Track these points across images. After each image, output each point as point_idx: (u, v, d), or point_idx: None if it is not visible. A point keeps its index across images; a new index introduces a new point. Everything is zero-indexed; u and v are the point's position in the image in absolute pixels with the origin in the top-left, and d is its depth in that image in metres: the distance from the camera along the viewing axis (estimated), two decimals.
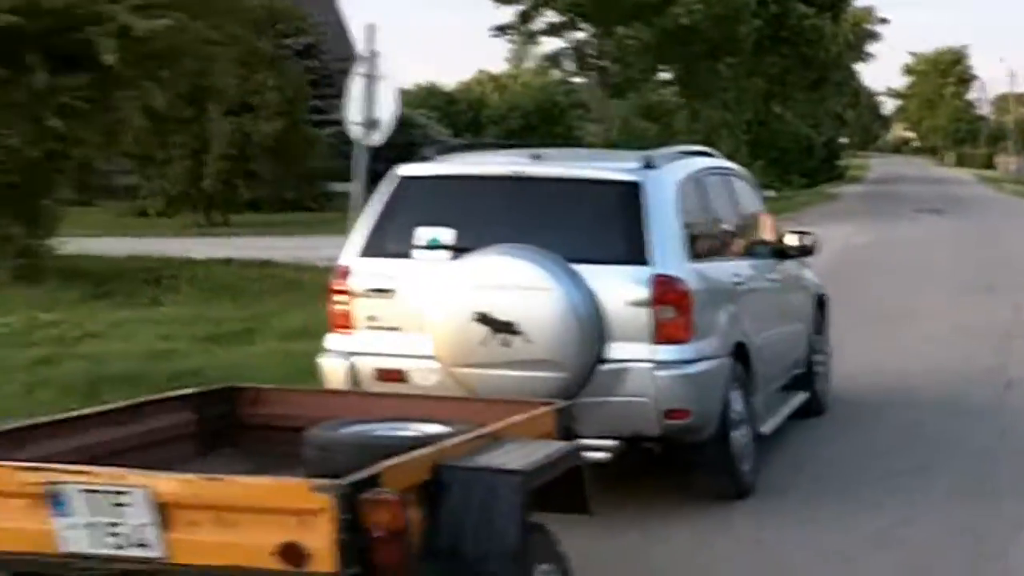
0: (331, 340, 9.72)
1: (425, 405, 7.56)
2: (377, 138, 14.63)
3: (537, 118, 59.27)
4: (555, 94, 62.39)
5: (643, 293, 9.00)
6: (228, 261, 25.90)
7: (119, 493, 5.66)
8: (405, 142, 47.97)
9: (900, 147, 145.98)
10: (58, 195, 22.69)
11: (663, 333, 9.03)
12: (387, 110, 14.44)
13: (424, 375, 9.15)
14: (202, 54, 22.08)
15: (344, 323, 9.58)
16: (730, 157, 14.97)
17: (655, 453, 9.68)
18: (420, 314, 9.18)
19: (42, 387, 14.14)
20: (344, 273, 9.59)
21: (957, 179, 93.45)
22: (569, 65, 43.80)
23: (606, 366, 8.99)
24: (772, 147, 51.88)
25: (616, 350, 8.99)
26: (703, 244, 9.88)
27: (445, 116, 57.76)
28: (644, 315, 9.02)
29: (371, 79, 14.29)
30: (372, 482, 5.52)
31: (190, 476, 5.79)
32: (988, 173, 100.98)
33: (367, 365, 9.36)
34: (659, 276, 9.03)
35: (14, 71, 19.95)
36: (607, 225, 9.36)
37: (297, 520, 5.47)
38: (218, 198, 38.16)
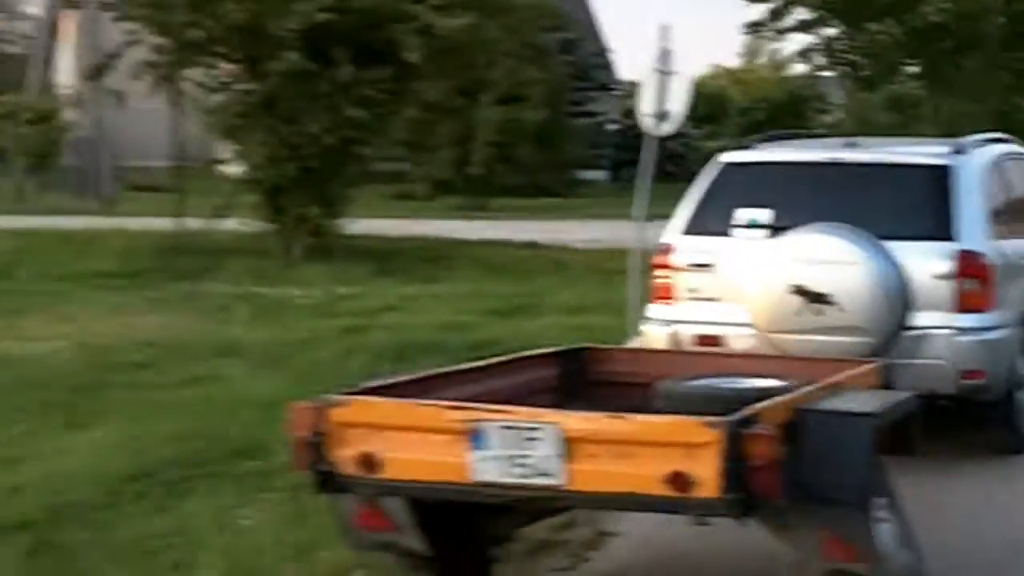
0: (653, 310, 10.55)
1: (753, 363, 8.28)
2: (667, 129, 15.36)
3: (781, 111, 59.59)
4: (796, 87, 62.68)
5: (948, 267, 9.70)
6: (498, 242, 26.84)
7: (533, 429, 6.46)
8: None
9: None
10: (348, 180, 23.93)
11: (964, 303, 9.75)
12: (678, 103, 15.14)
13: (740, 341, 9.88)
14: (488, 49, 23.15)
15: (666, 295, 10.38)
16: None
17: (949, 410, 10.23)
18: (738, 286, 9.91)
19: (355, 353, 15.10)
20: (667, 250, 10.40)
21: None
22: (818, 60, 44.22)
23: (910, 332, 9.64)
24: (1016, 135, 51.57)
25: (919, 318, 9.72)
26: (1002, 223, 10.51)
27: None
28: (947, 287, 9.70)
29: (663, 74, 15.00)
30: (751, 420, 6.27)
31: (595, 414, 6.63)
32: None
33: (687, 332, 10.09)
34: (964, 251, 9.75)
35: (321, 65, 21.16)
36: (917, 205, 10.12)
37: (686, 452, 6.23)
38: (481, 183, 39.40)
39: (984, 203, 10.23)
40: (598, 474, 6.41)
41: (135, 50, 22.99)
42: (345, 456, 6.70)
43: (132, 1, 22.57)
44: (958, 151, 10.41)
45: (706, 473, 6.19)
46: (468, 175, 39.07)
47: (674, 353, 9.50)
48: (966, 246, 9.84)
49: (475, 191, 39.91)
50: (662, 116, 15.11)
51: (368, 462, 6.65)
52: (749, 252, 9.96)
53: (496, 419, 6.54)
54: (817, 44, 43.82)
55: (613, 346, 9.17)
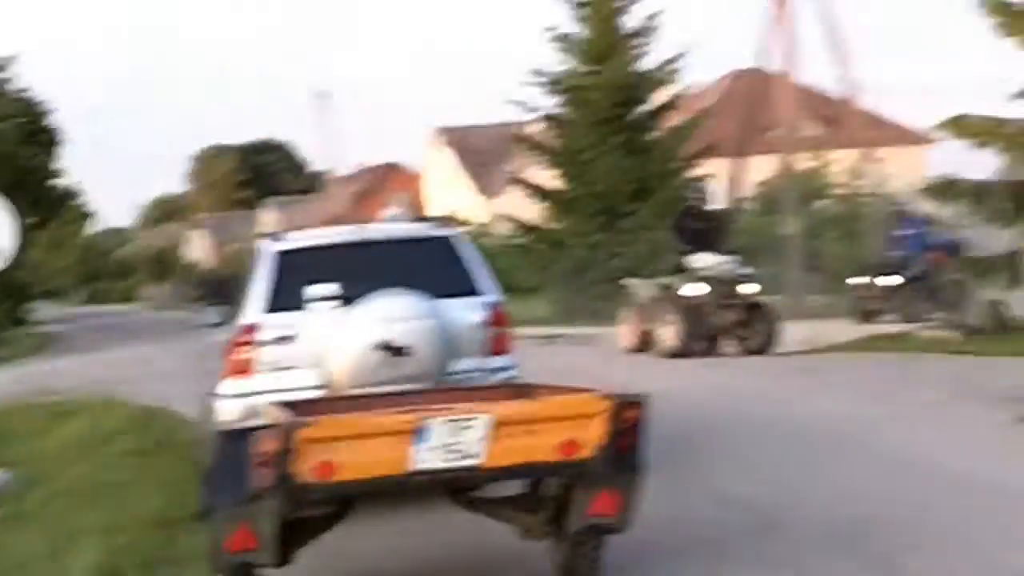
0: (228, 385, 10.92)
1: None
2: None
3: None
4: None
5: (480, 317, 11.08)
6: None
7: (469, 419, 7.38)
8: None
9: None
10: None
11: (494, 347, 11.00)
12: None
13: None
14: None
15: (244, 369, 10.82)
16: None
17: None
18: (320, 352, 10.58)
19: None
20: (252, 328, 10.81)
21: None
22: None
23: (454, 375, 10.84)
24: None
25: (461, 363, 10.93)
26: None
27: None
28: (481, 334, 11.04)
29: None
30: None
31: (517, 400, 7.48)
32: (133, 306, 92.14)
33: (264, 401, 10.25)
34: (491, 303, 11.08)
35: None
36: (440, 267, 11.29)
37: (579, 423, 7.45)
38: None
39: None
40: (511, 449, 7.39)
41: None
42: (306, 467, 7.19)
43: None
44: (444, 224, 11.82)
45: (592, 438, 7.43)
46: None
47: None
48: (491, 299, 11.17)
49: None
50: None
51: (326, 469, 7.20)
52: (328, 320, 10.63)
53: (441, 415, 7.40)
54: None
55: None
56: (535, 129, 36.11)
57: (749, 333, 22.81)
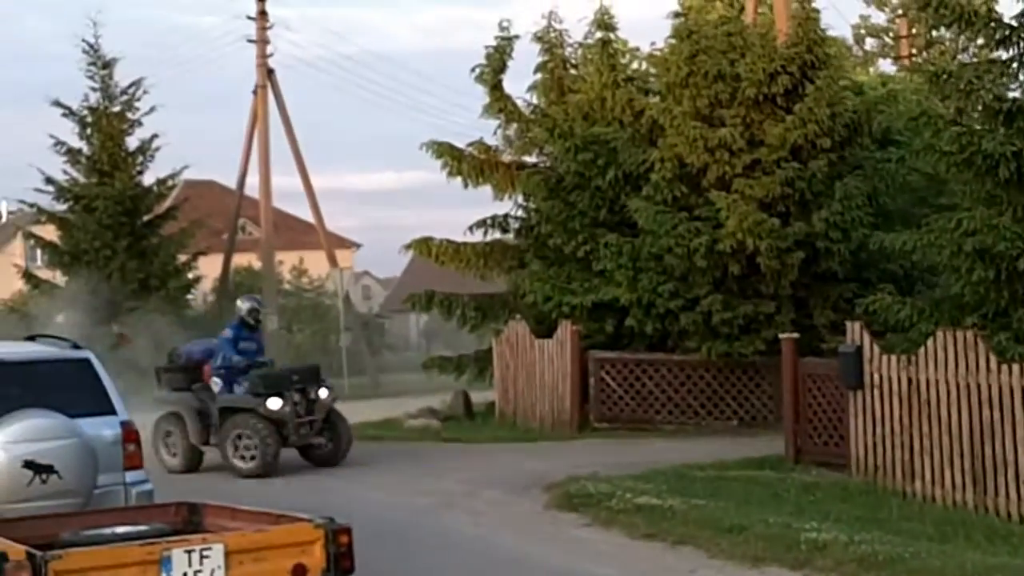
0: None
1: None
2: None
3: None
4: None
5: (116, 434, 10.37)
6: None
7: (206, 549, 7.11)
8: None
9: None
10: None
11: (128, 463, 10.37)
12: None
13: None
14: None
15: None
16: None
17: None
18: None
19: None
20: None
21: None
22: None
23: (98, 490, 10.08)
24: None
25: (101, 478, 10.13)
26: None
27: None
28: (118, 450, 10.35)
29: None
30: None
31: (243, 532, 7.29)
32: None
33: None
34: (123, 422, 10.42)
35: None
36: (76, 387, 10.43)
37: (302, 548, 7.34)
38: None
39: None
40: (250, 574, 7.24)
41: None
42: None
43: None
44: (76, 346, 10.92)
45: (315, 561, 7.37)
46: None
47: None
48: (124, 418, 10.54)
49: None
50: None
51: None
52: None
53: (180, 545, 7.15)
54: None
55: None
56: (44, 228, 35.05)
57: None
